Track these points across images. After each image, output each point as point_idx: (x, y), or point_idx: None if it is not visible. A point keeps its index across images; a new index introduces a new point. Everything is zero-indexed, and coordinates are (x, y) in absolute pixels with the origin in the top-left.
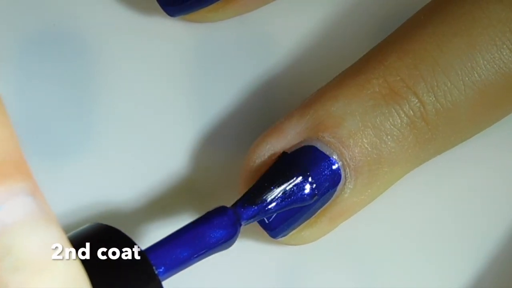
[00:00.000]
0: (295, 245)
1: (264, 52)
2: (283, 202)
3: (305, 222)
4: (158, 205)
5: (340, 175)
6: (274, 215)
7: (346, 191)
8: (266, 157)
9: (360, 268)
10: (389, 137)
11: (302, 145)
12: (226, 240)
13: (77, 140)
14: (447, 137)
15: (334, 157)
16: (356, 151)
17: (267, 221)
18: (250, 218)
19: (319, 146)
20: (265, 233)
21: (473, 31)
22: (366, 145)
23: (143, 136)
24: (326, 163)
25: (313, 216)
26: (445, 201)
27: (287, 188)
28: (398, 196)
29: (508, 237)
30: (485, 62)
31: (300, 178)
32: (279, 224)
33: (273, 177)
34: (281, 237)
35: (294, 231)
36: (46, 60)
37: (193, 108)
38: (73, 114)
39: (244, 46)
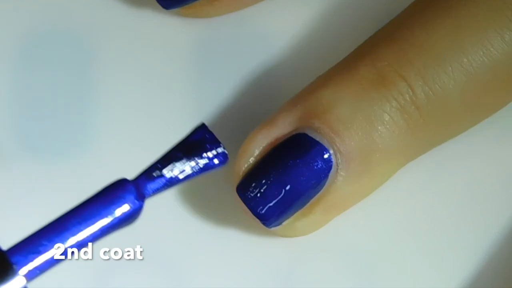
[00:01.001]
0: (291, 237)
1: (263, 50)
2: (193, 173)
3: (299, 212)
4: (156, 204)
5: (331, 162)
6: (267, 206)
7: (339, 179)
8: (259, 147)
9: (359, 267)
10: (379, 122)
11: (293, 133)
12: (128, 217)
13: (76, 140)
14: (440, 125)
15: (325, 143)
16: (346, 137)
17: (259, 210)
18: (155, 191)
19: (309, 133)
20: (263, 231)
21: (458, 13)
22: (356, 131)
23: (142, 135)
24: (317, 150)
25: (307, 205)
26: (444, 200)
27: (199, 161)
28: (396, 195)
29: (507, 235)
30: (471, 44)
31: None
32: (272, 212)
33: (185, 147)
34: (275, 226)
35: (287, 221)
36: (45, 60)
37: (191, 106)
38: (72, 113)
39: (243, 44)
